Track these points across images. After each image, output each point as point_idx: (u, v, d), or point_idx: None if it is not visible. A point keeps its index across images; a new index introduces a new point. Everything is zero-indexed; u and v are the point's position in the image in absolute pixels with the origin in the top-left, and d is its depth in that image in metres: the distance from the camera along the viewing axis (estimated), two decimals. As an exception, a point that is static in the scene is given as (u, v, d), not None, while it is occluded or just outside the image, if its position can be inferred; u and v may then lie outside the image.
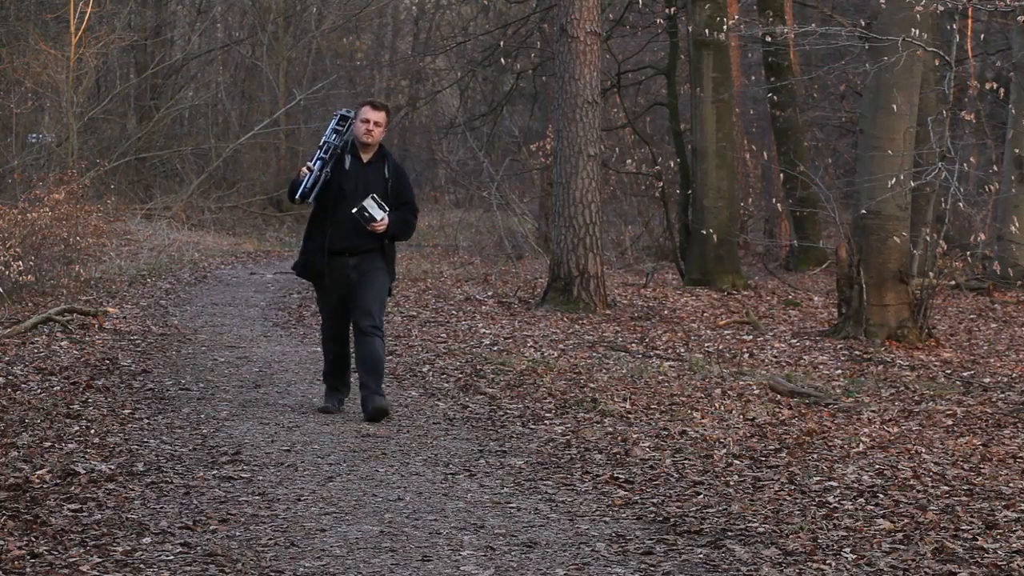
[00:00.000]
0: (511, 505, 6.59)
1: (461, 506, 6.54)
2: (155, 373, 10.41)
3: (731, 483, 7.08)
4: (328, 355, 9.01)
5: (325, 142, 8.77)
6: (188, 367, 10.82)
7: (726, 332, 13.60)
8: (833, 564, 5.60)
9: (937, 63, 17.51)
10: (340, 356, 8.98)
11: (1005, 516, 6.40)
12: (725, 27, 15.46)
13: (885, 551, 5.79)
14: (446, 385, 10.18)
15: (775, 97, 20.08)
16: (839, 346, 12.55)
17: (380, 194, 8.62)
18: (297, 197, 8.76)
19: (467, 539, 5.95)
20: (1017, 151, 18.24)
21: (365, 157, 8.77)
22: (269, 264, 21.98)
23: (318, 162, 8.73)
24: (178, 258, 20.94)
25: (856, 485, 7.02)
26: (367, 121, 8.72)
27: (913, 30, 12.31)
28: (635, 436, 8.24)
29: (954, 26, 15.24)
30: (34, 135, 23.90)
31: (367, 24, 35.76)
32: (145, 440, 7.89)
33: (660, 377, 10.51)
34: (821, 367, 11.46)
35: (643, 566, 5.57)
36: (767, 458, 7.70)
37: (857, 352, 12.22)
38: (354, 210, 8.52)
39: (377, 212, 8.54)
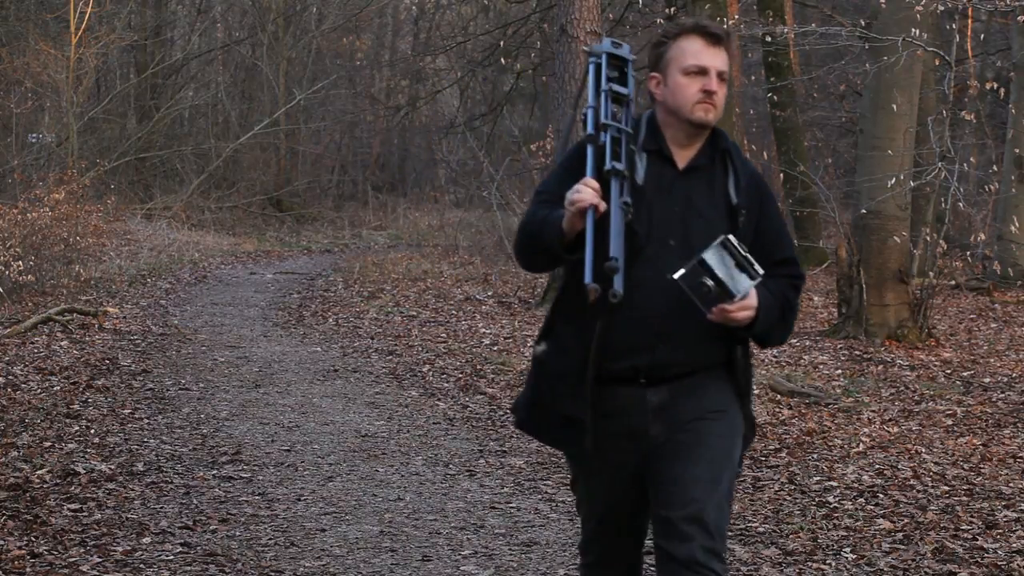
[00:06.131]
0: (511, 505, 6.59)
1: (461, 506, 6.54)
2: (155, 373, 10.41)
3: (731, 483, 7.07)
4: None
5: (610, 124, 3.59)
6: (188, 367, 10.81)
7: (726, 332, 13.58)
8: (833, 564, 5.60)
9: (937, 63, 17.51)
10: None
11: (1005, 516, 6.40)
12: (725, 27, 15.46)
13: (885, 551, 5.79)
14: (446, 385, 10.17)
15: (775, 97, 20.10)
16: (839, 346, 12.55)
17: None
18: (587, 281, 3.30)
19: (467, 539, 5.95)
20: (1017, 151, 18.24)
21: (682, 156, 3.74)
22: (269, 264, 21.97)
23: (612, 181, 3.45)
24: (178, 258, 20.93)
25: (856, 485, 7.02)
26: (702, 71, 3.72)
27: (913, 30, 12.32)
28: (635, 436, 8.23)
29: (954, 26, 15.23)
30: (34, 135, 23.89)
31: (367, 24, 35.73)
32: (145, 440, 7.89)
33: (660, 377, 10.48)
34: (821, 367, 11.45)
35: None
36: (767, 458, 7.69)
37: (857, 352, 12.21)
38: (677, 275, 3.52)
39: (738, 280, 3.52)
